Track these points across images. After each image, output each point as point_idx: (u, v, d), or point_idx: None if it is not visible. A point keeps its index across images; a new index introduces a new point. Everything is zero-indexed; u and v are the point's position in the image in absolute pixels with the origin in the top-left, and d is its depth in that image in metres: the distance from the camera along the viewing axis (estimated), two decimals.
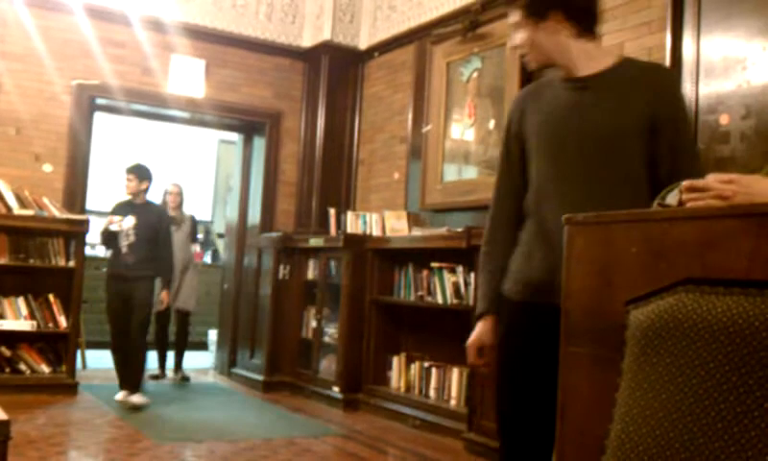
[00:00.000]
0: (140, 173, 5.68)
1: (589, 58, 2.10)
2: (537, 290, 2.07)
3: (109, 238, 5.58)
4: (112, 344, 5.64)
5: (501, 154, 2.28)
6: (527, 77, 4.98)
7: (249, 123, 7.16)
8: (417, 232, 5.73)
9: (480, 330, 2.21)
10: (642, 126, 2.03)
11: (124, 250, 5.51)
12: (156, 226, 5.66)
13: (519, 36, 2.14)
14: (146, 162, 5.88)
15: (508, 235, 2.20)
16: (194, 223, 7.07)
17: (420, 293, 5.49)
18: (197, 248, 6.97)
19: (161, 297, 5.67)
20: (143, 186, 5.68)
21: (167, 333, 6.98)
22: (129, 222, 5.53)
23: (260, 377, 6.53)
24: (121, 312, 5.50)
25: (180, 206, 6.96)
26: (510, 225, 2.21)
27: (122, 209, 5.65)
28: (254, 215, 7.13)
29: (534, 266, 2.09)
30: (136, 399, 5.36)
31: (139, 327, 5.50)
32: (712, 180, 1.60)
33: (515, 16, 2.13)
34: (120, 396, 5.45)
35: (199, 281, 7.18)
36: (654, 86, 2.06)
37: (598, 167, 2.04)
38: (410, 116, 6.27)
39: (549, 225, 2.05)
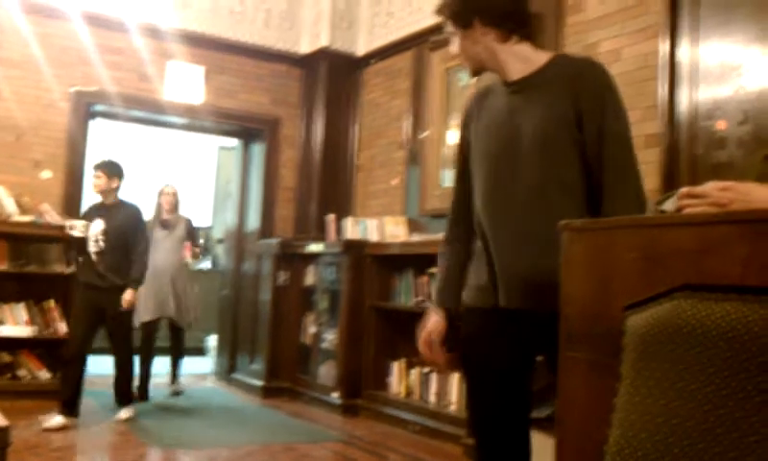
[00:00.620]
0: (110, 169, 5.17)
1: (521, 60, 2.09)
2: (481, 295, 2.12)
3: (78, 245, 5.15)
4: (68, 353, 5.15)
5: (456, 159, 2.30)
6: None
7: (247, 129, 7.17)
8: (415, 238, 5.74)
9: (428, 323, 2.27)
10: (569, 122, 1.99)
11: (93, 258, 5.05)
12: (129, 229, 5.14)
13: (453, 46, 2.15)
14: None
15: (461, 236, 2.26)
16: (190, 227, 6.48)
17: (418, 298, 5.50)
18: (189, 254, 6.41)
19: (126, 296, 5.00)
20: (114, 185, 5.17)
21: (152, 349, 6.30)
22: (96, 227, 5.08)
23: (260, 383, 6.53)
24: (89, 322, 5.04)
25: (175, 208, 6.44)
26: (460, 228, 2.26)
27: (92, 213, 5.23)
28: (253, 221, 7.14)
29: (479, 274, 2.14)
30: (124, 413, 5.15)
31: (123, 343, 5.20)
32: (710, 187, 1.61)
33: (448, 27, 2.14)
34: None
35: (199, 289, 6.77)
36: (578, 80, 2.01)
37: (530, 174, 2.02)
38: (408, 122, 6.28)
39: (487, 235, 2.09)
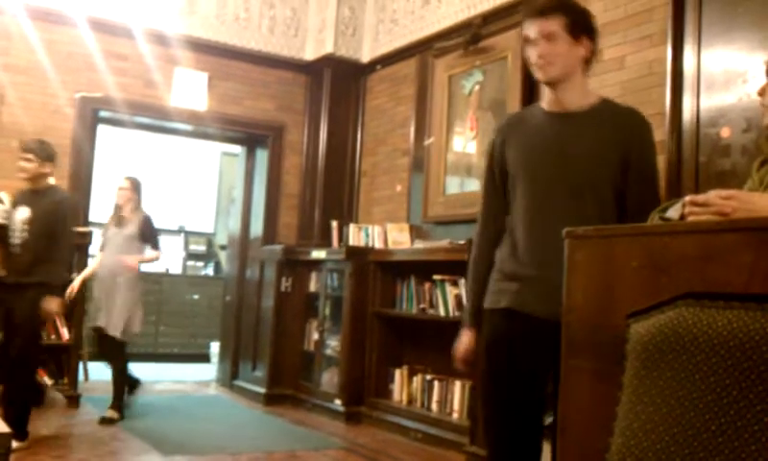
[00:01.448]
0: (41, 151, 4.53)
1: (582, 93, 2.30)
2: (509, 299, 2.26)
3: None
4: None
5: (485, 177, 2.46)
6: (529, 90, 5.01)
7: (251, 136, 7.18)
8: (419, 245, 5.74)
9: (463, 341, 2.42)
10: (615, 162, 2.22)
11: (16, 250, 4.42)
12: (57, 220, 4.46)
13: (548, 47, 2.23)
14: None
15: (488, 251, 2.40)
16: (145, 225, 5.63)
17: (422, 306, 5.49)
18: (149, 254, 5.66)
19: (46, 305, 4.33)
20: (46, 169, 4.54)
21: (125, 368, 5.60)
22: (21, 214, 4.45)
23: (262, 390, 6.53)
24: (4, 325, 4.40)
25: (133, 203, 5.65)
26: (493, 246, 2.39)
27: (19, 199, 4.59)
28: (257, 227, 7.14)
29: (507, 279, 2.29)
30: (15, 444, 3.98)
31: (20, 356, 4.29)
32: (713, 195, 1.61)
33: (549, 26, 2.22)
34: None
35: (136, 298, 5.59)
36: (628, 128, 2.26)
37: (572, 198, 2.22)
38: (412, 129, 6.29)
39: (522, 245, 2.26)
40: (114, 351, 5.48)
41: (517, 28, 5.18)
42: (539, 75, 2.28)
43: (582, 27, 2.24)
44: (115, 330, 5.33)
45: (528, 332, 2.20)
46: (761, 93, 1.91)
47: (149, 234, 5.65)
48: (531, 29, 2.25)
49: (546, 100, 2.33)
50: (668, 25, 3.65)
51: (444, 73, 5.95)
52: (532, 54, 2.26)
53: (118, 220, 5.64)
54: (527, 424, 2.24)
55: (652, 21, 3.77)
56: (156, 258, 5.80)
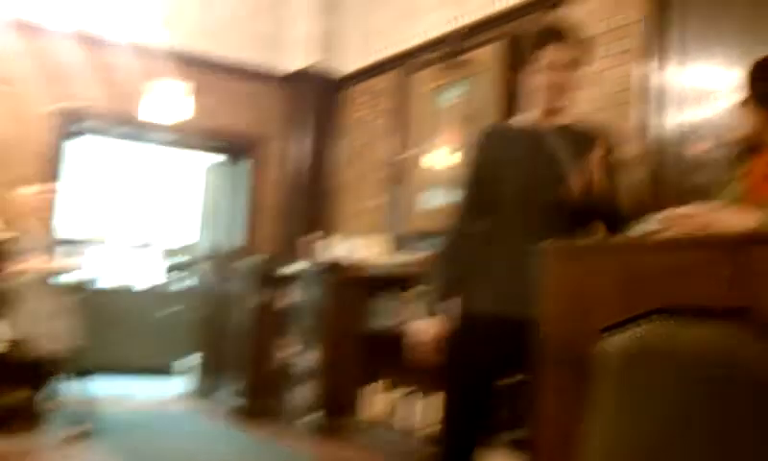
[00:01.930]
0: None
1: (558, 109, 2.42)
2: (487, 303, 2.37)
3: None
4: None
5: (466, 179, 2.54)
6: (509, 103, 5.03)
7: (231, 147, 7.16)
8: (398, 258, 5.73)
9: (431, 328, 2.46)
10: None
11: None
12: None
13: (567, 75, 2.38)
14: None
15: (464, 250, 2.48)
16: (48, 237, 5.44)
17: (400, 319, 5.48)
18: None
19: None
20: None
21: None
22: None
23: (237, 404, 6.47)
24: None
25: (42, 212, 5.44)
26: (467, 242, 2.48)
27: None
28: (236, 240, 7.12)
29: (486, 284, 2.39)
30: None
31: None
32: (687, 209, 1.62)
33: (573, 54, 2.38)
34: None
35: (60, 308, 5.32)
36: (598, 141, 2.37)
37: (547, 210, 2.32)
38: (392, 142, 6.29)
39: (501, 252, 2.36)
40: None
41: (498, 42, 5.23)
42: (551, 101, 2.40)
43: (584, 60, 2.41)
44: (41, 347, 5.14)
45: (496, 331, 2.30)
46: (737, 107, 1.94)
47: (52, 245, 5.45)
48: (555, 54, 2.35)
49: (528, 115, 2.45)
50: (646, 40, 3.69)
51: (425, 86, 5.97)
52: (550, 77, 2.37)
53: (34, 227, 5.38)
54: (481, 406, 2.38)
55: (630, 36, 3.81)
56: (72, 268, 5.58)
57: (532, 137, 2.41)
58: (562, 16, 4.68)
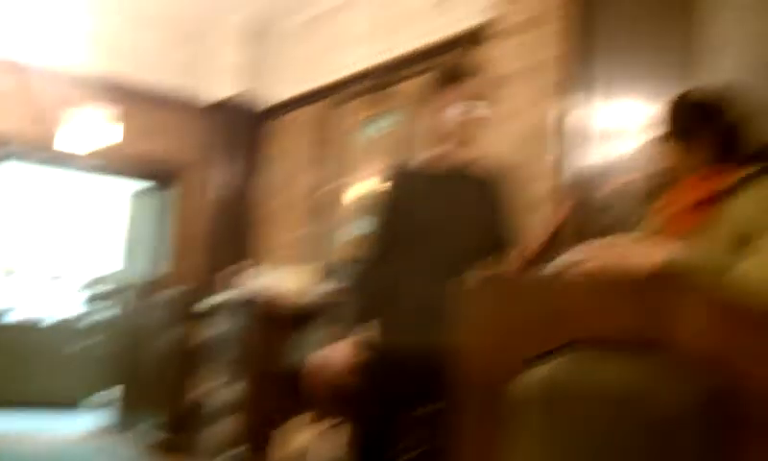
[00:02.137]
0: None
1: (461, 148, 2.52)
2: (398, 335, 2.42)
3: None
4: None
5: (379, 210, 2.59)
6: (428, 138, 5.09)
7: (156, 175, 7.05)
8: (321, 290, 5.69)
9: (347, 351, 2.51)
10: (485, 218, 2.47)
11: None
12: None
13: (471, 115, 2.48)
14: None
15: (378, 277, 2.53)
16: None
17: (321, 352, 5.43)
18: None
19: None
20: None
21: None
22: None
23: (157, 439, 6.29)
24: None
25: None
26: (379, 269, 2.53)
27: None
28: (158, 270, 6.97)
29: (395, 324, 2.44)
30: None
31: None
32: (600, 245, 1.66)
33: (474, 94, 2.49)
34: None
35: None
36: (500, 185, 2.52)
37: (452, 249, 2.40)
38: (318, 173, 6.28)
39: (410, 294, 2.40)
40: None
41: (421, 76, 5.29)
42: (457, 139, 2.49)
43: (485, 97, 2.53)
44: None
45: (410, 363, 2.34)
46: (650, 144, 2.00)
47: None
48: (460, 94, 2.45)
49: (435, 152, 2.54)
50: (562, 79, 3.79)
51: (351, 118, 5.99)
52: (456, 116, 2.46)
53: None
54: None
55: (544, 75, 3.91)
56: None
57: (438, 175, 2.49)
58: (474, 55, 4.80)
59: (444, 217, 2.46)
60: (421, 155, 2.62)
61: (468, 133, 2.48)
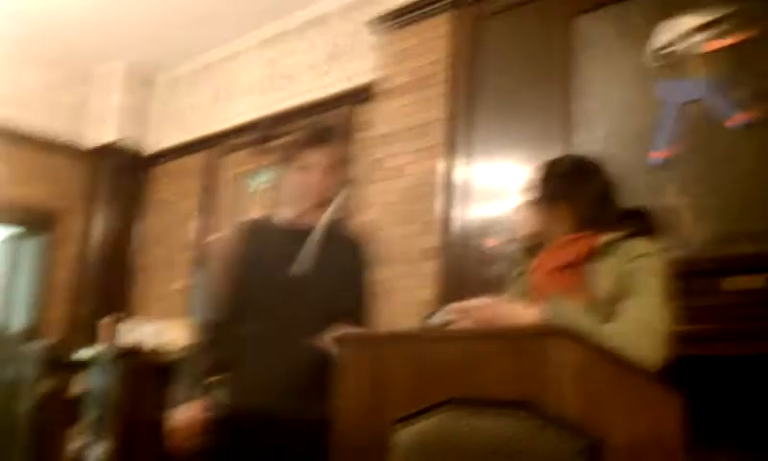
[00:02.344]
0: None
1: (314, 208, 2.46)
2: (251, 400, 2.34)
3: None
4: None
5: (227, 269, 2.53)
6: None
7: (22, 222, 6.67)
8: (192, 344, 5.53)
9: (192, 412, 2.41)
10: (341, 278, 2.41)
11: None
12: None
13: (325, 179, 2.44)
14: None
15: (226, 338, 2.45)
16: None
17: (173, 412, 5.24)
18: None
19: None
20: None
21: None
22: None
23: None
24: None
25: None
26: (227, 329, 2.45)
27: None
28: (19, 321, 6.56)
29: (246, 386, 2.37)
30: None
31: None
32: (474, 303, 1.68)
33: (329, 158, 2.45)
34: None
35: None
36: (354, 248, 2.50)
37: (297, 307, 2.36)
38: (197, 224, 6.15)
39: (256, 356, 2.35)
40: None
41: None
42: (303, 200, 2.47)
43: (341, 165, 2.51)
44: None
45: (260, 425, 2.27)
46: (520, 210, 2.07)
47: None
48: (315, 157, 2.43)
49: (287, 214, 2.52)
50: (443, 139, 3.89)
51: (232, 170, 5.92)
52: (306, 177, 2.44)
53: None
54: None
55: (429, 134, 3.99)
56: None
57: (290, 235, 2.47)
58: (360, 112, 4.88)
59: (297, 275, 2.42)
60: (282, 211, 2.59)
61: (326, 196, 2.47)
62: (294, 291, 2.38)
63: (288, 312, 2.36)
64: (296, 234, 2.45)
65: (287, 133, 5.35)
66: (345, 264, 2.44)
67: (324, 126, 2.63)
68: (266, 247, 2.48)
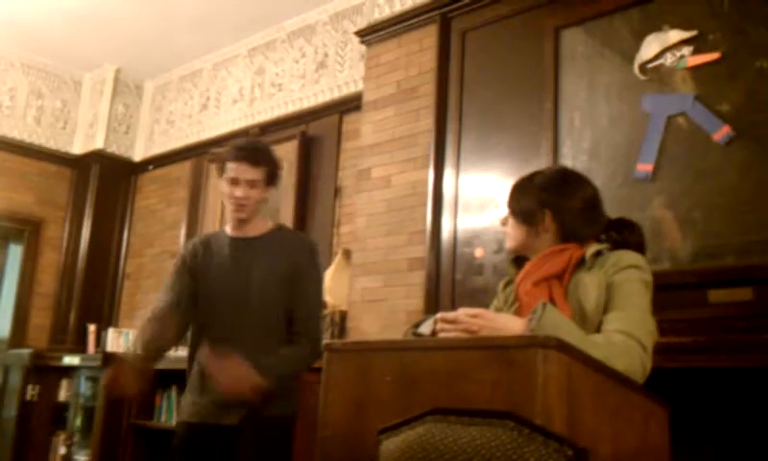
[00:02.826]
0: None
1: (261, 223, 2.65)
2: (200, 416, 2.50)
3: None
4: None
5: (172, 278, 2.67)
6: (303, 198, 5.10)
7: (5, 229, 6.62)
8: (182, 352, 5.49)
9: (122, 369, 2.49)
10: (283, 280, 2.53)
11: None
12: None
13: (249, 191, 2.56)
14: None
15: (157, 328, 2.57)
16: None
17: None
18: None
19: None
20: None
21: None
22: None
23: None
24: None
25: None
26: (162, 323, 2.57)
27: None
28: (3, 329, 6.50)
29: (198, 400, 2.53)
30: None
31: None
32: (462, 313, 1.68)
33: (256, 175, 2.56)
34: None
35: None
36: (296, 252, 2.61)
37: (248, 317, 2.50)
38: (183, 232, 6.12)
39: (203, 366, 2.45)
40: None
41: (292, 140, 5.32)
42: (237, 213, 2.59)
43: (274, 178, 2.62)
44: None
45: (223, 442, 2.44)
46: (504, 222, 2.07)
47: None
48: (239, 172, 2.54)
49: (232, 226, 2.65)
50: (431, 150, 3.90)
51: (218, 179, 5.90)
52: (234, 191, 2.55)
53: None
54: None
55: (416, 145, 4.00)
56: None
57: (229, 246, 2.61)
58: (347, 121, 4.90)
59: (231, 283, 2.55)
60: (227, 224, 2.73)
61: (248, 209, 2.58)
62: (237, 301, 2.51)
63: (234, 321, 2.49)
64: (232, 246, 2.61)
65: (274, 143, 5.39)
66: (284, 272, 2.54)
67: (250, 144, 2.73)
68: (209, 259, 2.61)
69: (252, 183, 2.55)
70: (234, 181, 2.55)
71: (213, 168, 5.97)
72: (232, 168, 2.55)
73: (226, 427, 2.44)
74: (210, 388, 2.39)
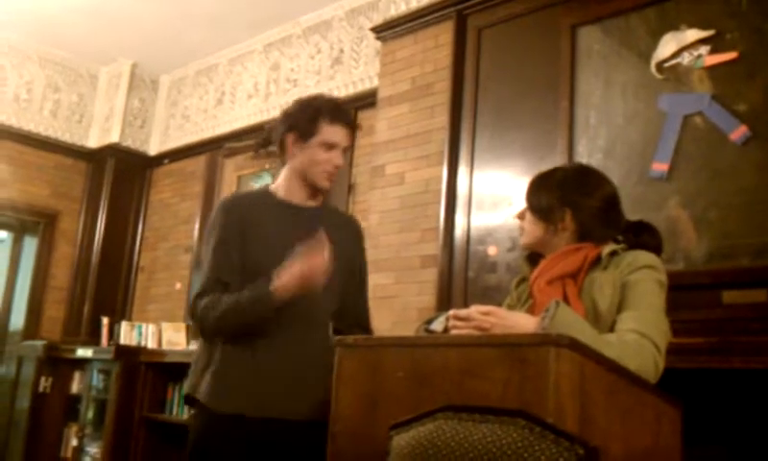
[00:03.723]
0: None
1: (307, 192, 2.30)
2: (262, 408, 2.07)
3: None
4: None
5: (218, 245, 2.25)
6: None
7: (21, 221, 6.67)
8: (195, 346, 5.52)
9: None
10: (347, 267, 2.27)
11: None
12: None
13: (342, 158, 2.25)
14: None
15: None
16: None
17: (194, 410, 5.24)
18: None
19: None
20: None
21: None
22: None
23: None
24: None
25: None
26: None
27: None
28: (17, 321, 6.55)
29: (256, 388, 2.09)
30: None
31: None
32: (474, 310, 1.68)
33: (349, 139, 2.28)
34: None
35: None
36: (357, 236, 2.41)
37: (313, 296, 2.08)
38: (197, 226, 6.15)
39: (258, 350, 2.10)
40: None
41: None
42: (326, 182, 2.25)
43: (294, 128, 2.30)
44: None
45: (272, 436, 2.07)
46: (520, 217, 2.06)
47: None
48: (339, 136, 2.22)
49: (289, 190, 2.30)
50: (445, 147, 3.89)
51: (234, 173, 5.92)
52: (333, 158, 2.22)
53: None
54: None
55: (431, 142, 3.99)
56: None
57: (291, 212, 2.26)
58: (364, 117, 4.87)
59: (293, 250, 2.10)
60: (269, 187, 2.40)
61: (334, 177, 2.27)
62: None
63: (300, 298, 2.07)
64: (295, 212, 2.25)
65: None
66: (347, 249, 2.28)
67: (345, 106, 2.36)
68: (262, 222, 2.24)
69: (345, 151, 2.25)
70: (331, 146, 2.21)
71: (228, 163, 6.00)
72: (331, 131, 2.20)
73: (294, 424, 2.04)
74: (277, 373, 2.07)
